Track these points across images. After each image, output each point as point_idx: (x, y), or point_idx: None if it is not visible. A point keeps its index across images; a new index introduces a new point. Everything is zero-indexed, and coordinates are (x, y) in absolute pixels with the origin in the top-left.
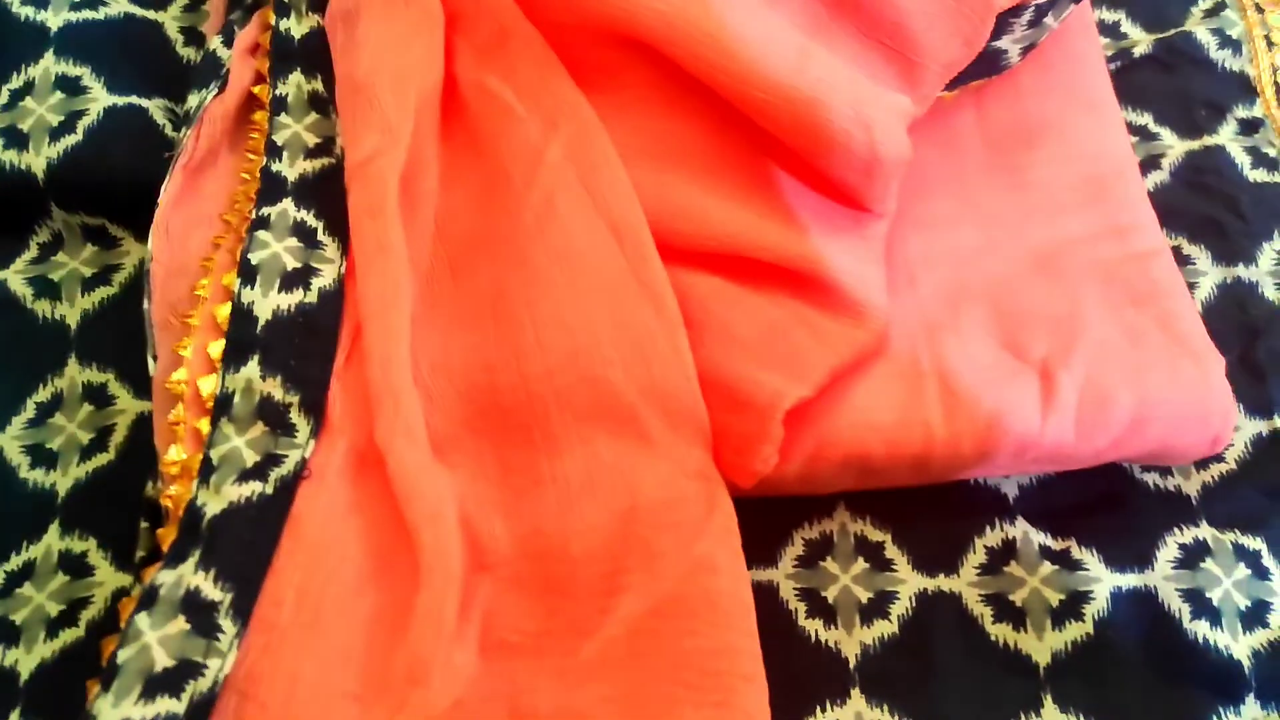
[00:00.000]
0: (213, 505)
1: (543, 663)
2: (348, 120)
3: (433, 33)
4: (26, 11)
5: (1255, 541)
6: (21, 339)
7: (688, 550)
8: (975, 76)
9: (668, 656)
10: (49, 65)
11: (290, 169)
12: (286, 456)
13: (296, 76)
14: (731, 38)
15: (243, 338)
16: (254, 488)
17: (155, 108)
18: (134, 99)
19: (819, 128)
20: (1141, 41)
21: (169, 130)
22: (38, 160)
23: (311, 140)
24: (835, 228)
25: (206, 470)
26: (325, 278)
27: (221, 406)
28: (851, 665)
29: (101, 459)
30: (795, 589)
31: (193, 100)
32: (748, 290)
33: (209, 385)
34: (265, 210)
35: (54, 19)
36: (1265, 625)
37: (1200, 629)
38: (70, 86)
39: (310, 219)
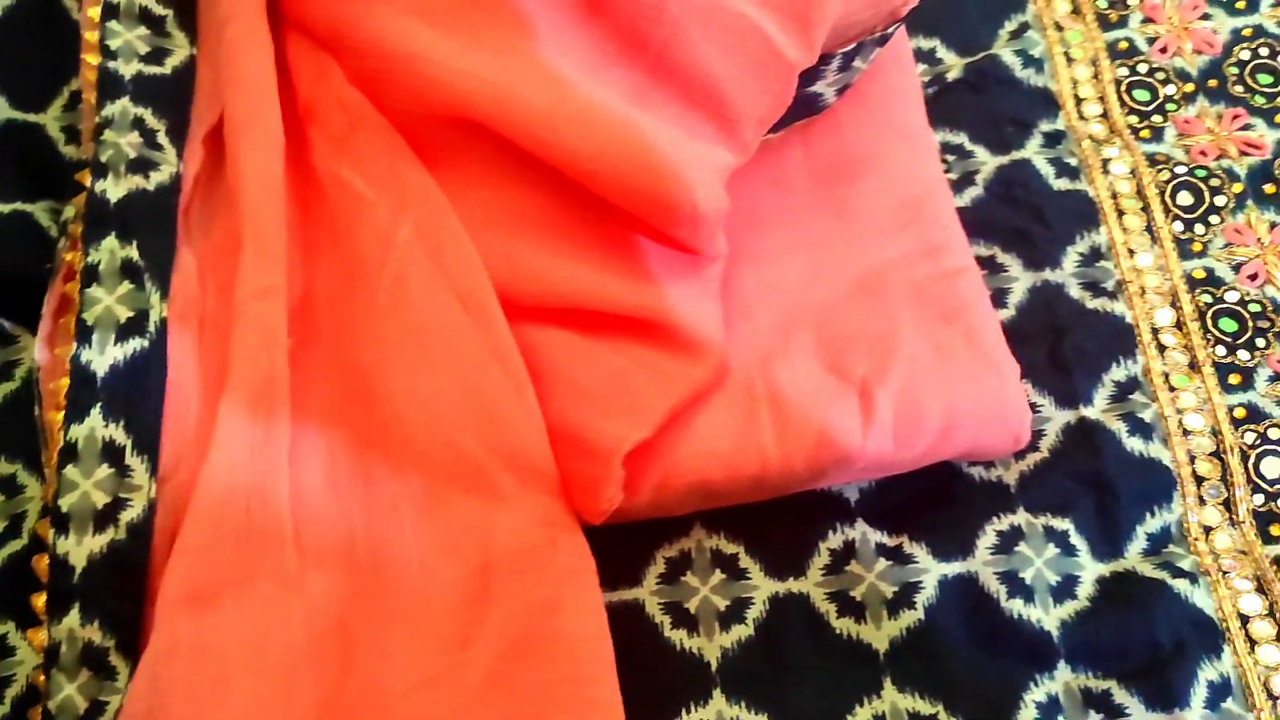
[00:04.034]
0: None
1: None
2: (230, 248)
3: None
4: None
5: (1064, 522)
6: None
7: (530, 595)
8: (796, 118)
9: (529, 691)
10: None
11: (100, 356)
12: (108, 703)
13: (110, 242)
14: (560, 114)
15: (61, 587)
16: None
17: (40, 210)
18: (19, 205)
19: (644, 191)
20: (954, 66)
21: (54, 231)
22: None
23: (124, 314)
24: (671, 273)
25: None
26: (135, 508)
27: (50, 658)
28: (713, 668)
29: (16, 544)
30: (660, 604)
31: (68, 212)
32: (593, 341)
33: (40, 639)
34: (74, 433)
35: None
36: (1073, 597)
37: (1016, 606)
38: None
39: (120, 435)
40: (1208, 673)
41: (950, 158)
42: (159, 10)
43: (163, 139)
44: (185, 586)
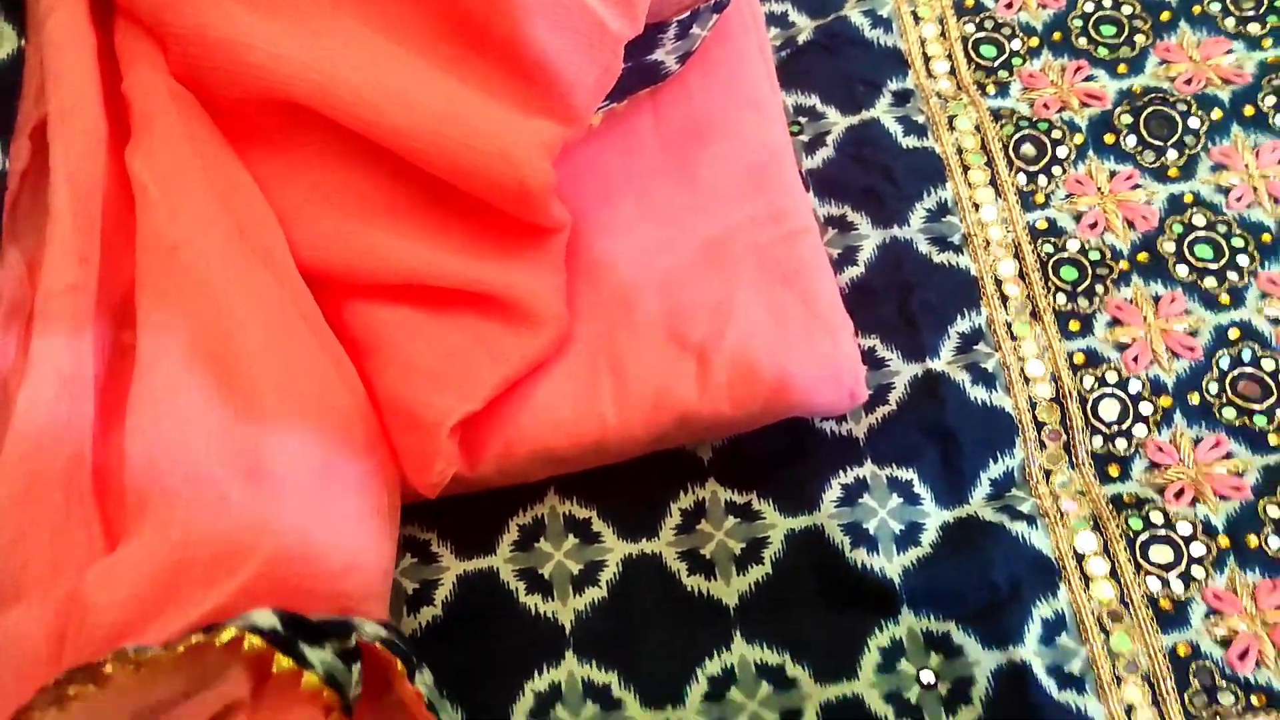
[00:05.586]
0: None
1: None
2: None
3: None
4: None
5: (908, 472)
6: None
7: None
8: (640, 86)
9: None
10: None
11: None
12: None
13: None
14: (382, 95)
15: None
16: None
17: None
18: None
19: (468, 168)
20: (805, 28)
21: None
22: None
23: None
24: (510, 246)
25: None
26: None
27: None
28: (567, 631)
29: None
30: (514, 570)
31: None
32: (430, 316)
33: None
34: None
35: None
36: (917, 544)
37: (859, 556)
38: None
39: None
40: (1042, 610)
41: (802, 119)
42: None
43: None
44: None
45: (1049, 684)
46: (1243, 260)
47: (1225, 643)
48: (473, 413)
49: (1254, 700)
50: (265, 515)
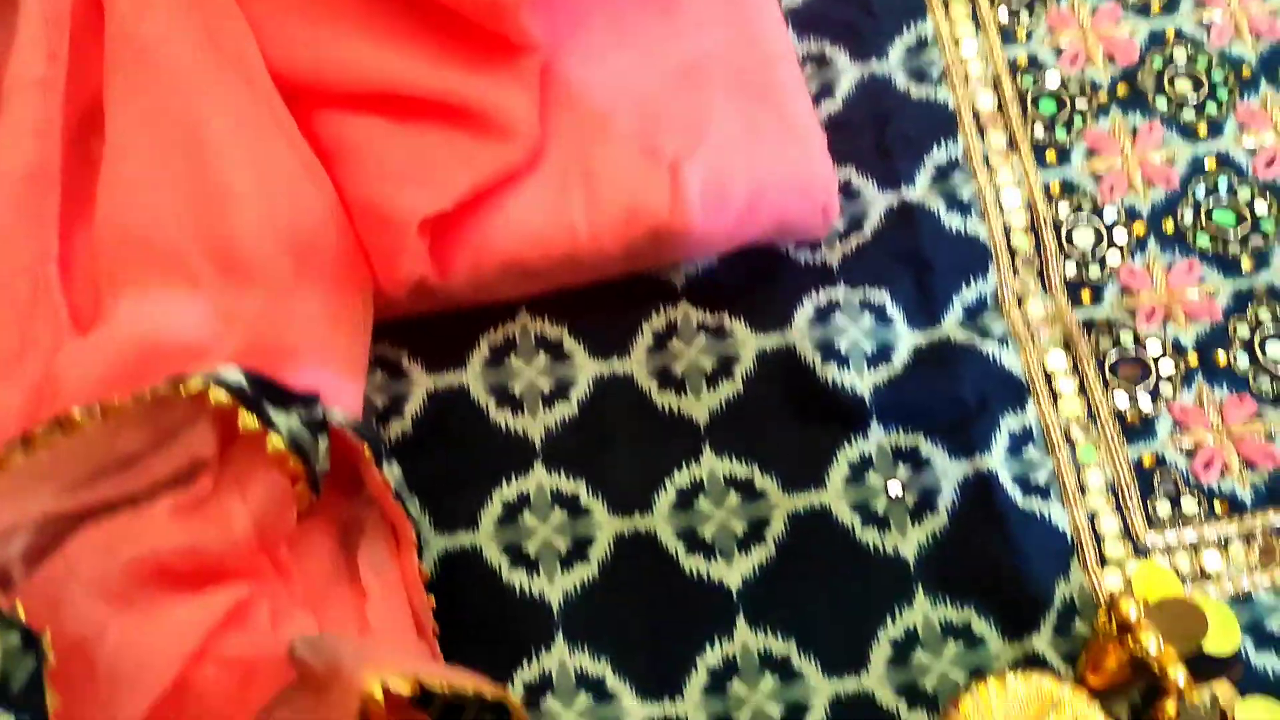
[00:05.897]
0: None
1: None
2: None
3: None
4: None
5: (881, 295)
6: None
7: None
8: None
9: None
10: None
11: None
12: None
13: None
14: None
15: None
16: None
17: None
18: None
19: None
20: None
21: None
22: None
23: None
24: (483, 60)
25: None
26: None
27: None
28: (537, 445)
29: None
30: (484, 386)
31: None
32: (403, 125)
33: None
34: None
35: None
36: (888, 362)
37: (830, 373)
38: None
39: None
40: (1010, 424)
41: None
42: None
43: None
44: None
45: (1014, 492)
46: (1222, 94)
47: (1190, 454)
48: (441, 212)
49: (1217, 507)
50: (237, 305)
